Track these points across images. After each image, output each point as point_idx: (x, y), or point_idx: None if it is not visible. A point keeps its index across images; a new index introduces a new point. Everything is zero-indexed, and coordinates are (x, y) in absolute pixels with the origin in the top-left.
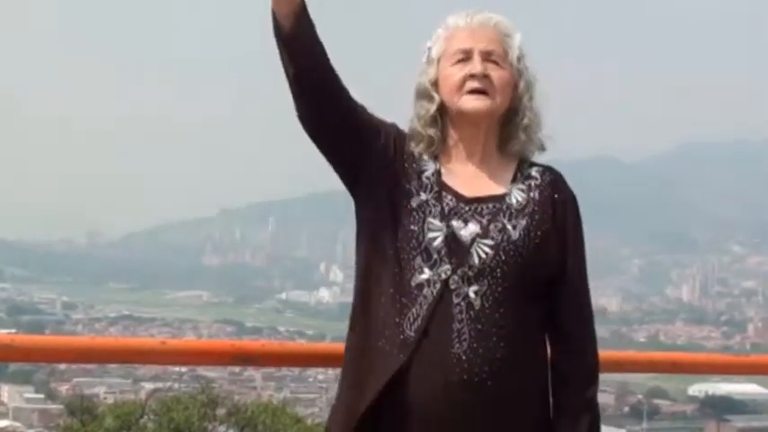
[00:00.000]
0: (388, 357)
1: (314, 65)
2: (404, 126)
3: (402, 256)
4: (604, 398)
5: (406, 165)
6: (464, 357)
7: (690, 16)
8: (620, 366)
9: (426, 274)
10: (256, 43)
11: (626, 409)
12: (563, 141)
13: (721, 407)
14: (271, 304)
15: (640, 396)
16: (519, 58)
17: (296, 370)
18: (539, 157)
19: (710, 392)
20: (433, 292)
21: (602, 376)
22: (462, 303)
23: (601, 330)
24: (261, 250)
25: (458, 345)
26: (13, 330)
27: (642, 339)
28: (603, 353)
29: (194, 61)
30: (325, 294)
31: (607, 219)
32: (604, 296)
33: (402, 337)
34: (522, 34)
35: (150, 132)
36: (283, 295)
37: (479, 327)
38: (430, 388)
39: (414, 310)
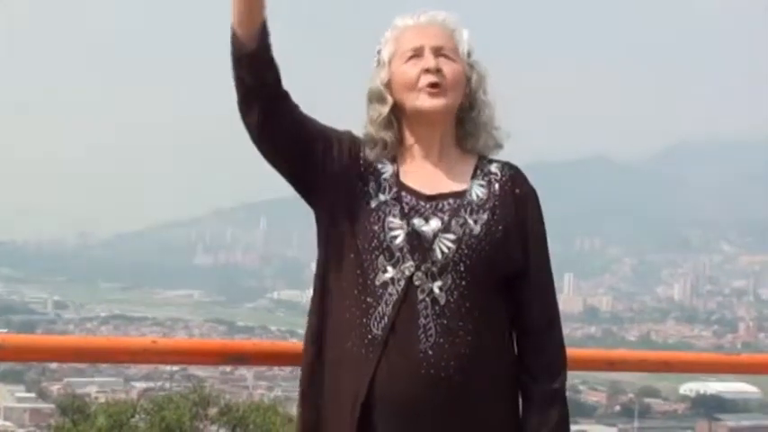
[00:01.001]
0: (359, 358)
1: (267, 81)
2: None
3: (364, 257)
4: (596, 396)
5: (362, 169)
6: (430, 353)
7: (681, 16)
8: (611, 365)
9: (390, 272)
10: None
11: (617, 407)
12: (555, 142)
13: (712, 406)
14: (262, 303)
15: (632, 395)
16: (469, 53)
17: (287, 369)
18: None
19: (702, 391)
20: (397, 290)
21: (594, 375)
22: (427, 299)
23: (592, 329)
24: (252, 250)
25: (424, 340)
26: (5, 330)
27: (633, 338)
28: (595, 352)
29: (187, 61)
30: None
31: (599, 218)
32: (596, 295)
33: (370, 336)
34: (469, 30)
35: (142, 132)
36: (275, 294)
37: (445, 322)
38: (398, 385)
39: (380, 309)
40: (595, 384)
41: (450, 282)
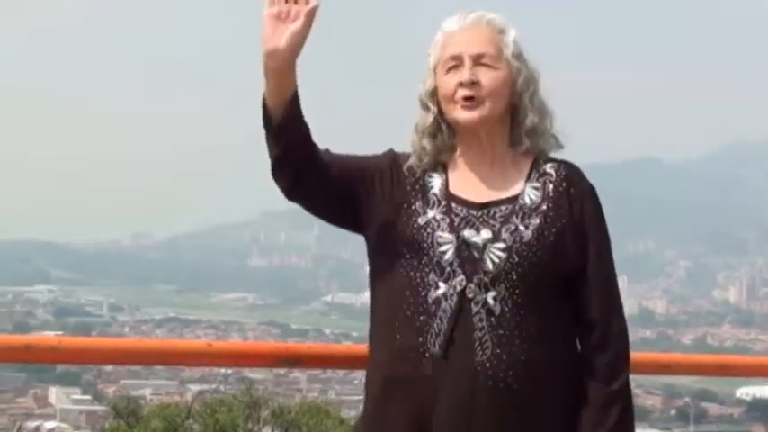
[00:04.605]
0: (418, 379)
1: (296, 150)
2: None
3: (415, 275)
4: (651, 400)
5: (408, 188)
6: (488, 365)
7: (734, 15)
8: (667, 369)
9: (441, 288)
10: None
11: (673, 411)
12: (608, 143)
13: None
14: (316, 306)
15: (687, 399)
16: (515, 55)
17: (341, 372)
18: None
19: (758, 395)
20: (451, 305)
21: (649, 378)
22: (482, 311)
23: (647, 332)
24: (306, 252)
25: (480, 353)
26: (61, 332)
27: (689, 342)
28: (650, 355)
29: (240, 64)
30: None
31: (653, 221)
32: (651, 298)
33: (428, 355)
34: (518, 30)
35: (196, 134)
36: (329, 297)
37: (500, 332)
38: (457, 399)
39: (435, 326)
40: (651, 388)
41: (503, 291)
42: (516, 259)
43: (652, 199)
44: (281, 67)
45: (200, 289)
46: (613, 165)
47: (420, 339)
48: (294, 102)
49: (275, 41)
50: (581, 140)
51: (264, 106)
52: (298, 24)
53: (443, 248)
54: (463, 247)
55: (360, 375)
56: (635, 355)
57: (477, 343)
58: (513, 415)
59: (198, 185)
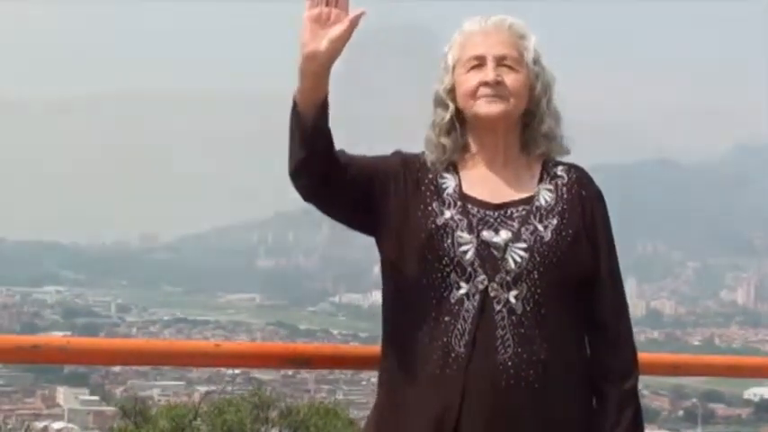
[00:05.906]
0: (442, 379)
1: (320, 156)
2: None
3: (435, 276)
4: (659, 401)
5: (422, 188)
6: (510, 363)
7: (752, 14)
8: (675, 370)
9: (464, 288)
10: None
11: (681, 412)
12: (620, 143)
13: None
14: (324, 307)
15: (695, 400)
16: (535, 60)
17: (349, 372)
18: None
19: (767, 396)
20: (473, 305)
21: (657, 380)
22: (504, 310)
23: (655, 333)
24: (314, 253)
25: (503, 351)
26: (69, 333)
27: (697, 343)
28: (659, 356)
29: (251, 63)
30: (378, 297)
31: (662, 221)
32: (659, 299)
33: (453, 355)
34: (537, 36)
35: (205, 136)
36: (337, 298)
37: (522, 331)
38: (480, 397)
39: (459, 326)
40: (658, 389)
41: (525, 290)
42: (538, 259)
43: (661, 199)
44: (319, 71)
45: (208, 290)
46: (621, 165)
47: (445, 339)
48: (325, 105)
49: (315, 44)
50: (589, 140)
51: (294, 108)
52: (341, 28)
53: (464, 248)
54: (483, 247)
55: (368, 376)
56: (643, 356)
57: (499, 342)
58: (533, 414)
59: (204, 186)
